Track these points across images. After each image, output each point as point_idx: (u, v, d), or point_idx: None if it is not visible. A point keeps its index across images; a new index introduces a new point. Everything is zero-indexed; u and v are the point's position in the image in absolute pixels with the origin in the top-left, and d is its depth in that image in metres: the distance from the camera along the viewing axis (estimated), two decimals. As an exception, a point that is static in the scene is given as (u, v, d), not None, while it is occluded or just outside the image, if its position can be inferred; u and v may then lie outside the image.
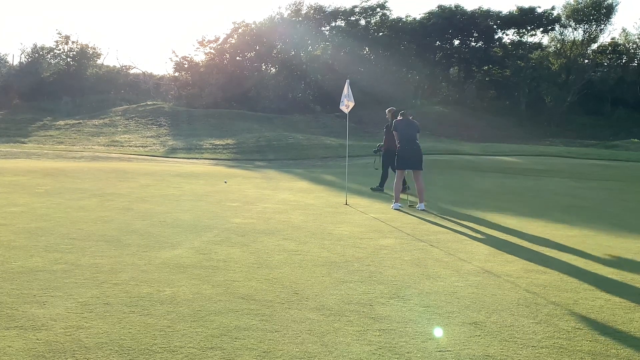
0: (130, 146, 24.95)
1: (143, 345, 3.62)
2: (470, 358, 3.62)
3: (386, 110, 11.87)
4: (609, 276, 5.63)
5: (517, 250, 6.72)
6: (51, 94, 37.04)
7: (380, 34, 44.46)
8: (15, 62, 42.52)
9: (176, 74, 41.80)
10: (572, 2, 42.01)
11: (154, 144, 25.66)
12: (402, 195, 10.31)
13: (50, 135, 27.39)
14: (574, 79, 41.99)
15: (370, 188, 12.21)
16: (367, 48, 44.13)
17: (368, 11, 44.53)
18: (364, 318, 4.23)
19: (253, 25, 41.27)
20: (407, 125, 10.04)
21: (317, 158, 21.46)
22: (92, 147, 24.24)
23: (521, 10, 44.17)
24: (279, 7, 67.65)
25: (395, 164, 10.27)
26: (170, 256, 5.84)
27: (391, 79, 40.66)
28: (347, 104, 10.40)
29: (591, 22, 41.70)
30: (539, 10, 44.33)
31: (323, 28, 44.41)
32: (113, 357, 3.45)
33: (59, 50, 41.59)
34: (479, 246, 6.87)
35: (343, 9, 44.55)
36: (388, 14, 44.72)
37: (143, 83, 44.78)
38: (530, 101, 41.91)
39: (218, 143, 24.06)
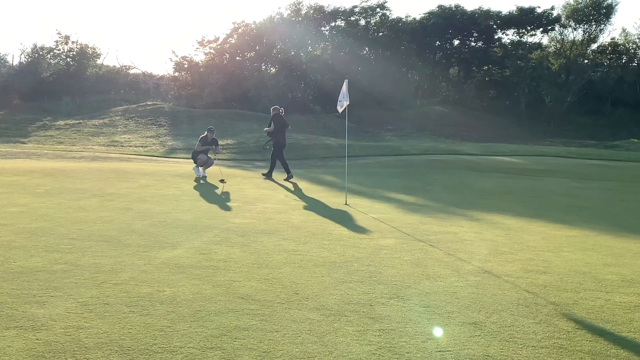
0: (130, 146, 24.93)
1: (143, 345, 3.62)
2: (470, 358, 3.62)
3: (271, 108, 14.30)
4: (609, 276, 5.63)
5: (517, 250, 6.72)
6: (51, 94, 36.99)
7: (380, 34, 44.42)
8: (15, 62, 42.50)
9: (176, 74, 41.75)
10: (572, 2, 42.00)
11: (153, 144, 25.65)
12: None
13: (50, 136, 27.38)
14: (573, 79, 41.98)
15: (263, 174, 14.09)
16: (367, 48, 44.09)
17: (368, 11, 44.50)
18: (363, 318, 4.23)
19: (253, 25, 41.24)
20: None
21: (317, 158, 21.45)
22: (92, 147, 24.23)
23: (521, 10, 44.15)
24: (279, 7, 67.68)
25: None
26: (170, 256, 5.84)
27: (391, 79, 40.63)
28: (343, 104, 10.41)
29: (591, 22, 41.68)
30: (539, 11, 44.33)
31: (323, 28, 44.38)
32: (113, 357, 3.45)
33: (59, 50, 41.56)
34: (479, 246, 6.88)
35: (343, 9, 44.53)
36: (388, 14, 44.70)
37: (143, 83, 44.75)
38: (530, 101, 41.87)
39: (218, 143, 24.03)
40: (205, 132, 13.93)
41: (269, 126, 14.03)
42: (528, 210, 10.02)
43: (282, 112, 14.17)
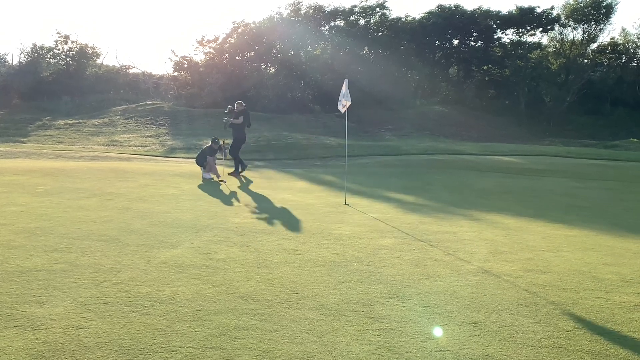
0: (130, 146, 24.91)
1: (142, 344, 3.62)
2: (470, 358, 3.62)
3: (236, 103, 14.43)
4: (609, 276, 5.63)
5: (516, 250, 6.72)
6: (51, 94, 36.95)
7: (380, 33, 44.39)
8: (15, 62, 42.46)
9: (175, 73, 41.70)
10: (572, 2, 41.97)
11: (153, 143, 25.63)
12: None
13: (50, 135, 27.36)
14: (573, 78, 41.95)
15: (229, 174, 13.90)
16: (366, 48, 44.05)
17: (367, 11, 44.47)
18: (363, 318, 4.23)
19: (252, 25, 41.20)
20: None
21: (317, 158, 21.44)
22: (92, 146, 24.21)
23: (521, 10, 44.12)
24: (279, 7, 67.63)
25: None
26: (169, 256, 5.84)
27: (390, 79, 40.60)
28: (344, 104, 10.40)
29: (590, 22, 41.65)
30: (539, 10, 44.29)
31: (322, 28, 44.33)
32: (112, 356, 3.45)
33: (59, 50, 41.50)
34: (479, 246, 6.88)
35: (342, 9, 44.48)
36: (387, 13, 44.63)
37: (142, 83, 44.71)
38: (529, 101, 41.85)
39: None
40: (210, 143, 13.69)
41: (237, 118, 14.13)
42: (528, 210, 10.02)
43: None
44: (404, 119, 36.08)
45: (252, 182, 13.20)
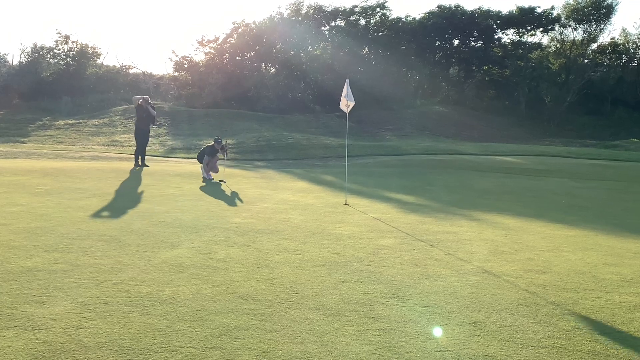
0: (130, 146, 24.86)
1: (143, 345, 3.62)
2: (470, 358, 3.62)
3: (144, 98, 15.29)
4: (609, 276, 5.63)
5: (517, 250, 6.72)
6: (51, 94, 36.91)
7: (380, 33, 44.42)
8: (15, 62, 42.44)
9: (176, 73, 41.69)
10: (572, 2, 41.98)
11: (153, 143, 25.58)
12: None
13: (50, 135, 27.36)
14: (573, 78, 41.94)
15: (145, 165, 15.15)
16: (366, 48, 44.07)
17: (368, 11, 44.47)
18: (363, 318, 4.23)
19: (253, 25, 41.20)
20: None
21: (317, 158, 21.43)
22: (92, 146, 24.22)
23: (521, 10, 44.15)
24: (279, 7, 67.53)
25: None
26: (170, 256, 5.84)
27: (391, 79, 40.60)
28: (347, 104, 10.38)
29: (591, 22, 41.67)
30: (539, 10, 44.31)
31: (323, 28, 44.34)
32: (113, 357, 3.45)
33: (59, 50, 41.47)
34: (479, 246, 6.88)
35: (343, 9, 44.49)
36: (388, 13, 44.65)
37: (143, 83, 44.67)
38: (530, 101, 41.85)
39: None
40: (212, 143, 13.53)
41: (154, 111, 15.32)
42: (528, 210, 10.02)
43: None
44: (404, 119, 36.09)
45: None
